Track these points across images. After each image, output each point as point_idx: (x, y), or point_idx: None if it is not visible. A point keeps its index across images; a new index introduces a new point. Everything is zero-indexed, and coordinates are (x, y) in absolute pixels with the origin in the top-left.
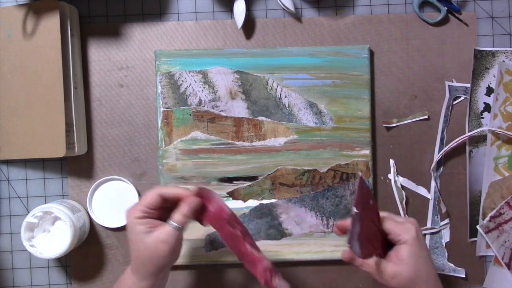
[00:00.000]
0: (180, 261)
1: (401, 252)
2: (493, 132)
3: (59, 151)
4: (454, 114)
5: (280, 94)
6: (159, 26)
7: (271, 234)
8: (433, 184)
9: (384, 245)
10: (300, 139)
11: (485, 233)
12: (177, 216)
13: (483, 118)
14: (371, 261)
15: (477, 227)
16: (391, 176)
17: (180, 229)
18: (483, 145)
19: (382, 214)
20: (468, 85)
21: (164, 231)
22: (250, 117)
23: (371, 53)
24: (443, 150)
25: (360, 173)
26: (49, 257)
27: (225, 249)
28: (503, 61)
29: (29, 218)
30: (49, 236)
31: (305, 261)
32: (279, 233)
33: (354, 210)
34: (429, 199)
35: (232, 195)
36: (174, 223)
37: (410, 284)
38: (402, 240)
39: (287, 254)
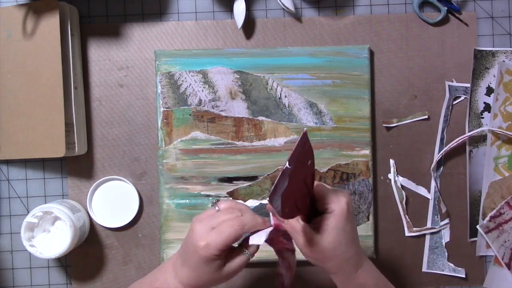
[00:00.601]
0: None
1: (326, 222)
2: (493, 132)
3: (59, 151)
4: (454, 114)
5: (280, 94)
6: (159, 26)
7: None
8: (433, 184)
9: (310, 210)
10: None
11: (485, 233)
12: (253, 248)
13: (483, 118)
14: (298, 225)
15: (477, 227)
16: (391, 176)
17: (251, 257)
18: (483, 145)
19: (318, 182)
20: (468, 85)
21: (240, 263)
22: (250, 117)
23: (371, 53)
24: (443, 150)
25: (305, 129)
26: (49, 257)
27: None
28: (503, 61)
29: (29, 218)
30: (49, 236)
31: (305, 261)
32: None
33: (287, 164)
34: (429, 199)
35: (232, 195)
36: (249, 253)
37: (327, 256)
38: (330, 209)
39: None
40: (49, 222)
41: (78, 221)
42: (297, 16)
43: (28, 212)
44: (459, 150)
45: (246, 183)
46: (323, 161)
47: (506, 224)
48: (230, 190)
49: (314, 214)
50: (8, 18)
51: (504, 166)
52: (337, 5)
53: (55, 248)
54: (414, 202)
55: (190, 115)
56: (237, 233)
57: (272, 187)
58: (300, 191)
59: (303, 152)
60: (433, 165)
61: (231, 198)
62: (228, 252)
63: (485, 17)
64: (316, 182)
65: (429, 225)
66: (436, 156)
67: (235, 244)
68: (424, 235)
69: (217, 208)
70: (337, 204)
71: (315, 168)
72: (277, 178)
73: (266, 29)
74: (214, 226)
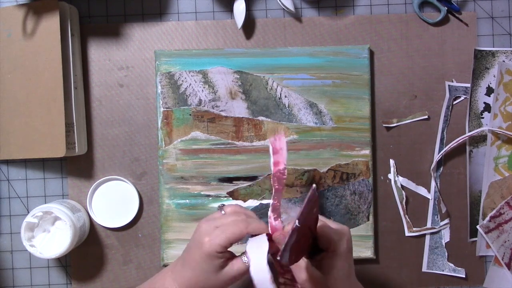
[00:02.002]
0: None
1: (330, 262)
2: (493, 132)
3: (59, 151)
4: (454, 114)
5: (280, 94)
6: (159, 26)
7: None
8: (433, 184)
9: (311, 247)
10: (300, 139)
11: (485, 233)
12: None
13: (483, 118)
14: (302, 262)
15: (477, 227)
16: (391, 176)
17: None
18: (483, 145)
19: (321, 219)
20: (468, 85)
21: (237, 269)
22: (250, 117)
23: (371, 53)
24: (443, 150)
25: (314, 186)
26: (49, 257)
27: None
28: (503, 61)
29: (29, 218)
30: (49, 236)
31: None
32: None
33: (296, 223)
34: (429, 199)
35: (232, 195)
36: (249, 262)
37: None
38: (333, 249)
39: None
40: (49, 222)
41: (78, 221)
42: (297, 16)
43: (28, 212)
44: (459, 150)
45: (246, 183)
46: (323, 161)
47: (506, 224)
48: (230, 190)
49: (315, 249)
50: (8, 18)
51: (504, 166)
52: (337, 5)
53: (55, 248)
54: (414, 202)
55: (190, 115)
56: (241, 231)
57: (283, 246)
58: (305, 238)
59: (311, 205)
60: (433, 165)
61: (236, 203)
62: (229, 256)
63: (485, 17)
64: (320, 223)
65: (429, 225)
66: (436, 156)
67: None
68: (424, 235)
69: (223, 212)
70: (340, 244)
71: (315, 168)
72: (288, 236)
73: (266, 29)
74: (219, 226)
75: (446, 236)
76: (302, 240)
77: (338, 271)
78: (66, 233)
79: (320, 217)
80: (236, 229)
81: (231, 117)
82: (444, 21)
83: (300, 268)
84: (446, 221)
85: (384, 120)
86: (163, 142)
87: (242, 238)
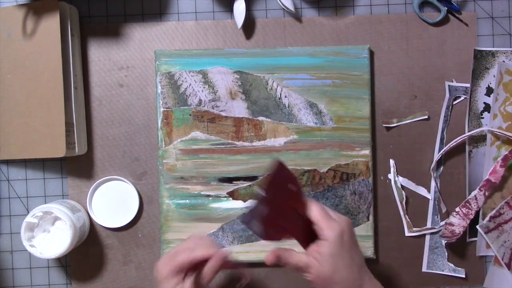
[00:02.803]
0: None
1: (321, 249)
2: (492, 132)
3: (59, 151)
4: (454, 114)
5: (280, 94)
6: (159, 26)
7: None
8: (433, 184)
9: (309, 234)
10: (300, 139)
11: (485, 233)
12: (206, 274)
13: (483, 118)
14: (293, 253)
15: (477, 227)
16: (391, 176)
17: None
18: (483, 145)
19: (316, 206)
20: (468, 85)
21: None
22: (250, 117)
23: (371, 53)
24: (442, 150)
25: (277, 159)
26: (49, 257)
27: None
28: (503, 61)
29: (29, 218)
30: (49, 236)
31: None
32: None
33: (259, 191)
34: (429, 199)
35: (232, 195)
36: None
37: (327, 281)
38: (323, 237)
39: None
40: (49, 222)
41: (78, 221)
42: (297, 16)
43: (28, 212)
44: (459, 150)
45: (246, 183)
46: (323, 161)
47: (506, 224)
48: (230, 190)
49: (314, 238)
50: (8, 18)
51: None
52: (337, 5)
53: (55, 248)
54: (414, 202)
55: (190, 115)
56: (187, 259)
57: (247, 212)
58: (287, 216)
59: (279, 178)
60: (433, 165)
61: (231, 198)
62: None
63: (485, 17)
64: (316, 207)
65: (429, 225)
66: (436, 156)
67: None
68: (424, 235)
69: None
70: (330, 231)
71: (315, 168)
72: (252, 204)
73: (266, 29)
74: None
75: None
76: (281, 218)
77: (333, 260)
78: (66, 233)
79: (320, 206)
80: (181, 255)
81: (231, 117)
82: (444, 21)
83: (290, 253)
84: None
85: (384, 120)
86: (163, 142)
87: (186, 261)
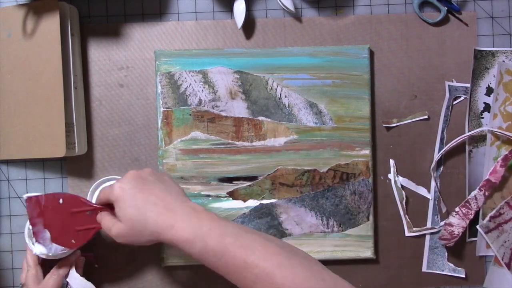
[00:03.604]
0: (178, 261)
1: (115, 210)
2: (492, 132)
3: (59, 151)
4: (454, 114)
5: (280, 94)
6: (159, 26)
7: (271, 234)
8: (433, 184)
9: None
10: (300, 139)
11: (485, 233)
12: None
13: (483, 118)
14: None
15: (477, 227)
16: (391, 176)
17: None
18: (483, 145)
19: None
20: (468, 85)
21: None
22: (250, 117)
23: (371, 53)
24: (442, 150)
25: (25, 196)
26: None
27: None
28: (503, 61)
29: None
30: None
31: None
32: (279, 233)
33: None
34: (429, 199)
35: (232, 195)
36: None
37: (134, 233)
38: (112, 201)
39: None
40: None
41: None
42: (297, 16)
43: None
44: (459, 150)
45: (246, 183)
46: (323, 161)
47: (506, 224)
48: (230, 190)
49: None
50: (8, 18)
51: None
52: (337, 5)
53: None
54: (414, 202)
55: (190, 115)
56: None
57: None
58: (70, 222)
59: (36, 208)
60: (433, 165)
61: (231, 198)
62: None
63: (485, 17)
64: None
65: (429, 225)
66: (436, 156)
67: None
68: (424, 235)
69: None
70: (112, 193)
71: (315, 168)
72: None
73: (266, 29)
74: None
75: None
76: (60, 226)
77: (124, 212)
78: None
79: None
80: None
81: (231, 117)
82: (444, 21)
83: (103, 216)
84: None
85: (384, 120)
86: (163, 142)
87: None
